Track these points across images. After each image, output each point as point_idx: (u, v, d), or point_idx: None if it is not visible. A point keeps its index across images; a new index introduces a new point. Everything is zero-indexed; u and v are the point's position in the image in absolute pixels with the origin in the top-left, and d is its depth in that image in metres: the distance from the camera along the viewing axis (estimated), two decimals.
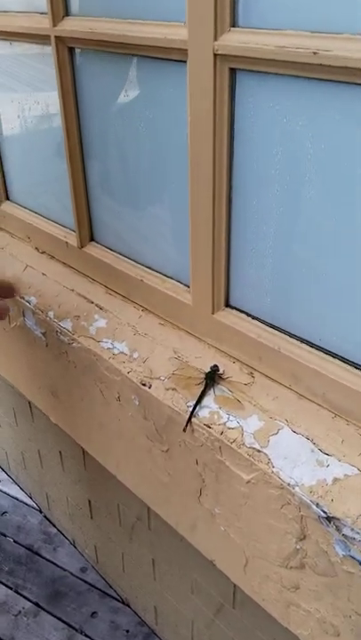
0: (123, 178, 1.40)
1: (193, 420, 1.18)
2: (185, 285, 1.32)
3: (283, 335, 1.14)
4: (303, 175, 0.97)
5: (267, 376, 1.19)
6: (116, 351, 1.37)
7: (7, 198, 1.89)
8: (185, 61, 1.05)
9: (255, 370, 1.21)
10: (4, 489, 2.62)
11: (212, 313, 1.24)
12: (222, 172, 1.08)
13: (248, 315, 1.20)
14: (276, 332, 1.15)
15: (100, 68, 1.31)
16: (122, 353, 1.36)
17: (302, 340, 1.11)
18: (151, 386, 1.28)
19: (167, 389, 1.25)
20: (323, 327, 1.08)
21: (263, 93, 0.98)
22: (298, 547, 1.08)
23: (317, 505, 1.00)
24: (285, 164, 1.00)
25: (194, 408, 1.17)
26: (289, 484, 1.03)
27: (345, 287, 1.01)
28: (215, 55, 0.99)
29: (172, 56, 1.09)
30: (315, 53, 0.84)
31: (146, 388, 1.28)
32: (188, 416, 1.17)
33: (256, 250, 1.13)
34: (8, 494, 2.60)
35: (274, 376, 1.17)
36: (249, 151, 1.05)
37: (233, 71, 1.00)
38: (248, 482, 1.11)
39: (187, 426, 1.18)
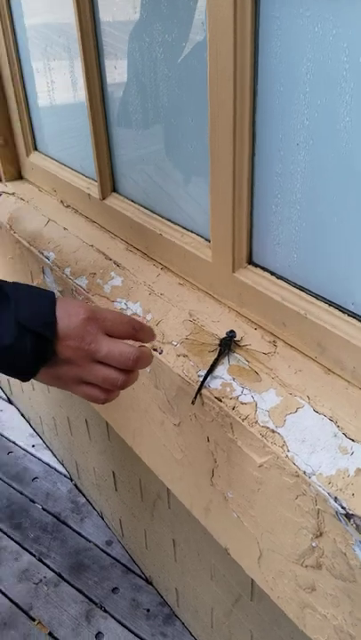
0: (143, 119, 1.25)
1: (203, 391, 1.03)
2: (206, 240, 1.17)
3: (310, 298, 0.97)
4: (338, 98, 0.79)
5: (291, 345, 1.03)
6: (129, 312, 1.24)
7: (35, 148, 1.78)
8: None
9: (278, 338, 1.05)
10: (38, 454, 2.58)
11: (233, 271, 1.09)
12: (244, 101, 0.91)
13: (272, 273, 1.03)
14: (303, 294, 0.98)
15: None
16: (135, 314, 1.23)
17: (332, 304, 0.94)
18: (162, 351, 1.14)
19: (178, 356, 1.11)
20: (357, 290, 0.90)
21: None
22: (314, 544, 0.92)
23: (336, 499, 0.83)
24: (317, 85, 0.82)
25: (204, 379, 1.02)
26: (305, 472, 0.87)
27: None
28: None
29: None
30: None
31: (156, 354, 1.14)
32: (197, 387, 1.03)
33: (282, 195, 0.95)
34: (41, 460, 2.55)
35: (298, 345, 1.01)
36: (275, 72, 0.87)
37: None
38: (261, 465, 0.96)
39: (195, 398, 1.04)
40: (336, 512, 0.84)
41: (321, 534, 0.89)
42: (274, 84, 0.88)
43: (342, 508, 0.83)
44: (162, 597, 1.97)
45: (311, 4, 0.78)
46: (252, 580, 1.29)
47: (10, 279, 1.92)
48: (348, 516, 0.82)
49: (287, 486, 0.91)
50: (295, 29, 0.81)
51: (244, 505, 1.07)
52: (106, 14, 1.23)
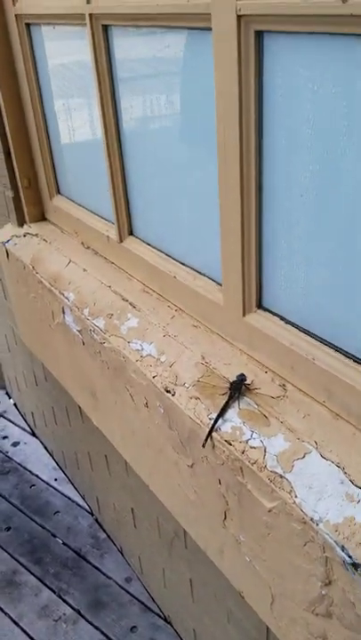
0: (158, 165, 1.29)
1: (214, 434, 1.04)
2: (218, 284, 1.19)
3: (317, 343, 0.98)
4: (339, 149, 0.82)
5: (300, 389, 1.03)
6: (144, 353, 1.27)
7: (58, 192, 1.84)
8: (210, 29, 0.92)
9: (288, 382, 1.06)
10: (60, 488, 2.59)
11: (243, 315, 1.11)
12: (250, 150, 0.95)
13: (281, 318, 1.05)
14: (311, 339, 0.99)
15: (132, 47, 1.21)
16: (150, 355, 1.25)
17: (339, 351, 0.95)
18: (175, 393, 1.16)
19: (190, 398, 1.12)
20: None
21: (291, 58, 0.83)
22: (323, 592, 0.91)
23: (343, 548, 0.83)
24: (319, 139, 0.85)
25: (215, 422, 1.04)
26: (312, 519, 0.87)
27: None
28: (239, 17, 0.85)
29: (197, 23, 0.96)
30: (344, 1, 0.69)
31: (169, 396, 1.16)
32: (208, 430, 1.04)
33: (289, 243, 0.98)
34: (62, 493, 2.56)
35: (307, 390, 1.02)
36: (278, 127, 0.90)
37: (259, 35, 0.86)
38: (270, 511, 0.96)
39: (206, 441, 1.05)
40: (344, 561, 0.83)
41: (330, 582, 0.89)
42: (278, 139, 0.91)
43: (349, 557, 0.82)
44: (180, 638, 1.94)
45: (309, 64, 0.81)
46: (267, 626, 1.28)
47: (31, 318, 1.97)
48: (356, 566, 0.82)
49: (296, 532, 0.91)
50: (296, 87, 0.84)
51: (255, 549, 1.06)
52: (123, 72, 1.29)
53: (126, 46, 1.23)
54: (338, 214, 0.87)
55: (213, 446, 1.05)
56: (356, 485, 0.87)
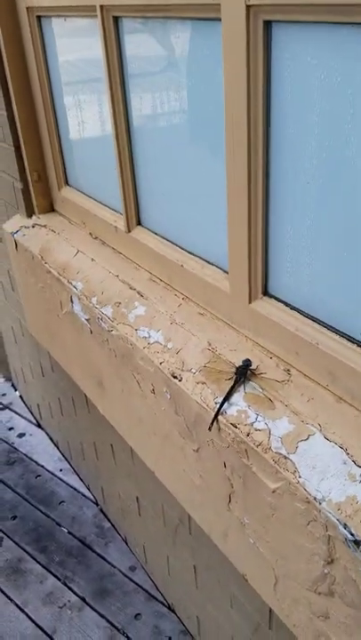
0: (166, 155, 1.32)
1: (220, 418, 1.07)
2: (224, 272, 1.21)
3: (322, 328, 1.00)
4: (345, 137, 0.84)
5: (304, 374, 1.06)
6: (151, 340, 1.29)
7: (67, 183, 1.86)
8: (220, 19, 0.94)
9: (292, 366, 1.08)
10: (65, 478, 2.62)
11: (250, 302, 1.13)
12: (258, 138, 0.97)
13: (286, 304, 1.07)
14: (315, 324, 1.01)
15: (142, 39, 1.23)
16: (157, 342, 1.28)
17: (342, 335, 0.97)
18: (182, 378, 1.18)
19: (197, 383, 1.15)
20: None
21: (299, 47, 0.85)
22: (326, 571, 0.94)
23: (345, 526, 0.85)
24: (325, 127, 0.87)
25: (220, 406, 1.06)
26: (315, 498, 0.90)
27: None
28: (248, 7, 0.87)
29: (206, 14, 0.98)
30: None
31: (176, 381, 1.18)
32: (214, 414, 1.07)
33: (294, 230, 1.00)
34: (67, 483, 2.59)
35: (311, 374, 1.04)
36: (286, 115, 0.92)
37: (268, 25, 0.88)
38: (274, 491, 0.98)
39: (212, 424, 1.07)
40: (346, 539, 0.85)
41: (332, 561, 0.91)
42: (285, 127, 0.93)
43: (351, 534, 0.85)
44: (183, 625, 1.97)
45: (316, 54, 0.83)
46: (270, 608, 1.30)
47: (39, 308, 1.99)
48: (358, 543, 0.84)
49: (299, 512, 0.94)
50: (303, 76, 0.86)
51: (259, 530, 1.09)
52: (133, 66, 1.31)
53: (137, 37, 1.25)
54: (343, 202, 0.89)
55: (219, 429, 1.07)
56: (358, 465, 0.89)
